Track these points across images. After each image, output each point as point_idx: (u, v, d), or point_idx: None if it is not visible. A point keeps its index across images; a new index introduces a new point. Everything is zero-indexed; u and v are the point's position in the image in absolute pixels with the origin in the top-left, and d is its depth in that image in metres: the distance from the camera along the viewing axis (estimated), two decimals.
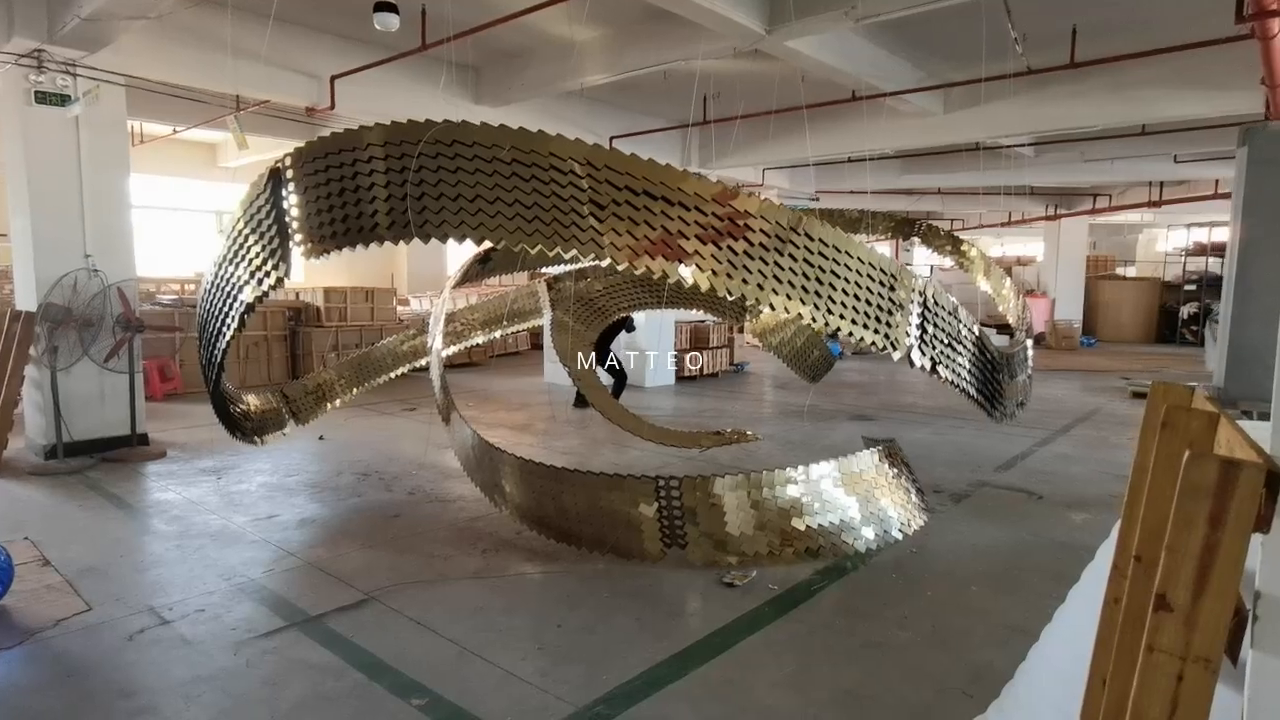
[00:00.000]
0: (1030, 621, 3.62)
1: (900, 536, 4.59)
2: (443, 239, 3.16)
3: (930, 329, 3.74)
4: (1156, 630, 1.22)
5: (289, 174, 3.49)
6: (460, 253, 27.68)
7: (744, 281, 3.17)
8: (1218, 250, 18.65)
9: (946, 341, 3.87)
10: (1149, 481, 1.44)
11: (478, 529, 4.89)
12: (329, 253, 3.33)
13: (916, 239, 8.89)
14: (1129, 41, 7.84)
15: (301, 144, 3.48)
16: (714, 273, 3.15)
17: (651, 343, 11.03)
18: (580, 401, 8.90)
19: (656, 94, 10.83)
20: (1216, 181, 15.81)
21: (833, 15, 6.59)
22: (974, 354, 4.32)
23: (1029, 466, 6.72)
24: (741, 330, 7.78)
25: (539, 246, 3.10)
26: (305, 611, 3.67)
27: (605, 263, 3.16)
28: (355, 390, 6.95)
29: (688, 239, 3.13)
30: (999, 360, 4.73)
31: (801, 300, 3.29)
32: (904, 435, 7.84)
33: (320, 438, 7.50)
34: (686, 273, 3.14)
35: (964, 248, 8.22)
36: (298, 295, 12.05)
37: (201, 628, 3.50)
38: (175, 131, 12.29)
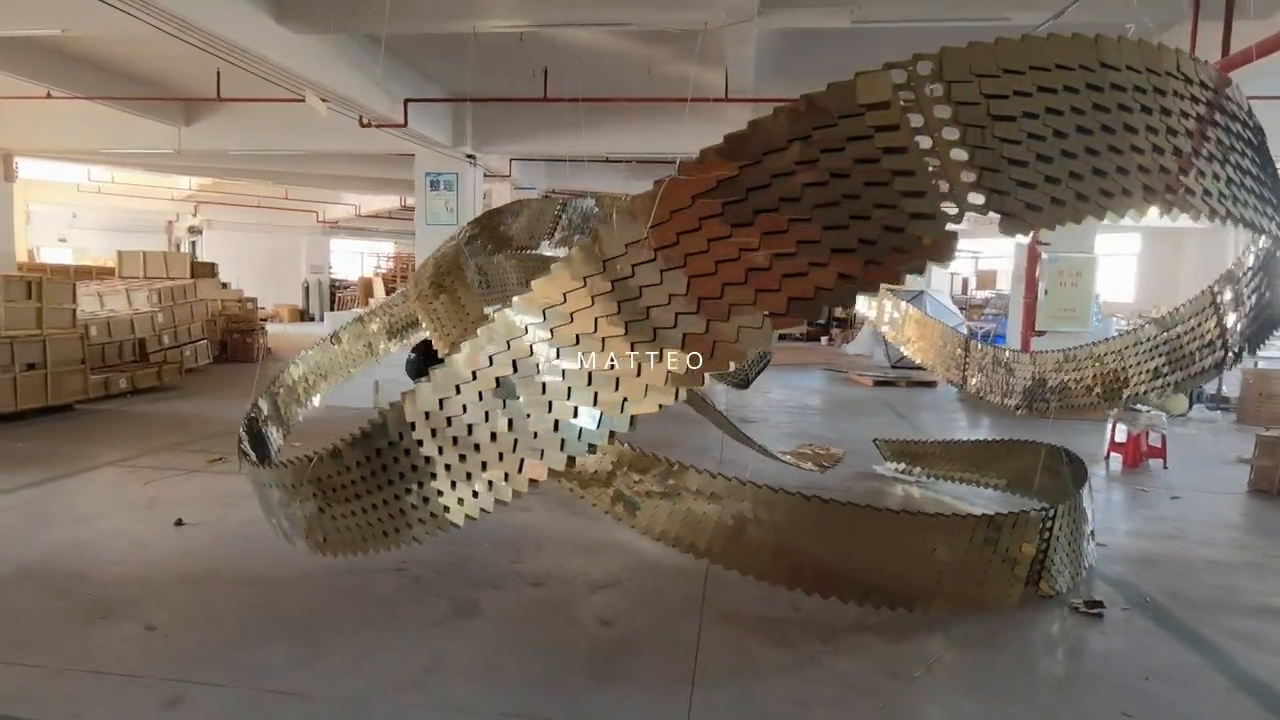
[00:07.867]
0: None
1: None
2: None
3: None
4: None
5: (957, 90, 2.00)
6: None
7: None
8: None
9: None
10: None
11: (732, 610, 3.56)
12: (1040, 227, 2.02)
13: None
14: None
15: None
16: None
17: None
18: None
19: (465, 56, 9.11)
20: None
21: (833, 11, 6.44)
22: None
23: None
24: None
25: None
26: None
27: None
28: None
29: None
30: None
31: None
32: (766, 432, 8.09)
33: (179, 522, 4.60)
34: None
35: None
36: None
37: None
38: None
